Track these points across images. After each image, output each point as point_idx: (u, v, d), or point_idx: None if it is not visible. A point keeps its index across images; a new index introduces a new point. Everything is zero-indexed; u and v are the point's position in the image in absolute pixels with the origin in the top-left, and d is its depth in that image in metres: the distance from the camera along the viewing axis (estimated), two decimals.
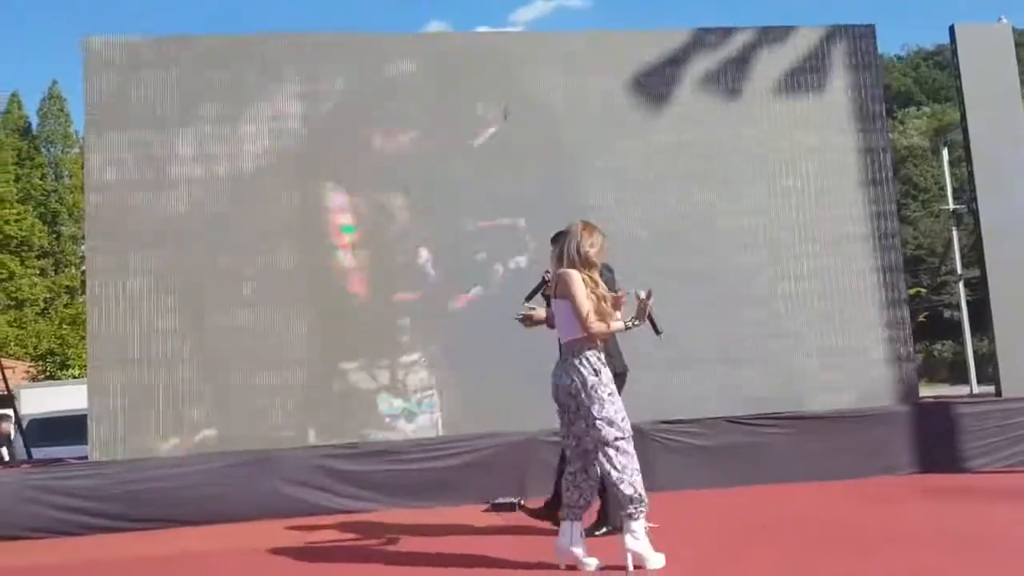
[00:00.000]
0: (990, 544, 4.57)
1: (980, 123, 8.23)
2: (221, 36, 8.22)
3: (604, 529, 5.02)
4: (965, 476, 7.17)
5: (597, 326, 4.26)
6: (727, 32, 8.40)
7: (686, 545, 4.64)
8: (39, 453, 10.22)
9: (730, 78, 8.26)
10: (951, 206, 11.28)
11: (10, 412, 10.61)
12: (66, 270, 39.35)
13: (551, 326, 4.55)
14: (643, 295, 4.40)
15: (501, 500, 6.45)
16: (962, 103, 8.38)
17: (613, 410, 4.25)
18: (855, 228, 8.17)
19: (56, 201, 39.72)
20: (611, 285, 4.71)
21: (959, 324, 10.94)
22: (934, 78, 58.02)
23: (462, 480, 6.82)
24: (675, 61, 8.21)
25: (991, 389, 8.36)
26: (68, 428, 11.56)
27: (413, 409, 7.53)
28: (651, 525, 4.25)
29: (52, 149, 41.04)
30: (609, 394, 4.26)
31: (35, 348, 33.35)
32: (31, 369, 31.71)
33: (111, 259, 7.45)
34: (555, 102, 8.05)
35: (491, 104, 7.96)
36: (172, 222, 7.50)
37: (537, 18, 79.31)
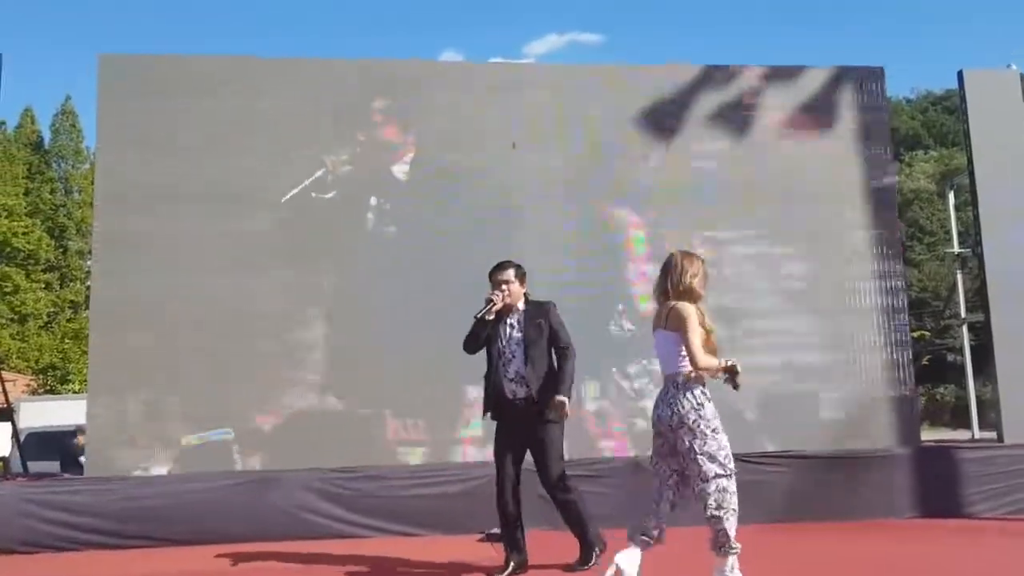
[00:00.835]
0: None
1: (987, 168, 8.26)
2: (237, 57, 8.31)
3: (591, 563, 5.01)
4: (966, 521, 7.12)
5: (707, 361, 4.27)
6: (736, 70, 8.45)
7: None
8: (36, 467, 10.17)
9: (738, 116, 8.31)
10: (956, 250, 11.29)
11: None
12: (71, 284, 39.39)
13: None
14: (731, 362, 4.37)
15: (496, 530, 6.40)
16: (969, 148, 8.42)
17: (716, 446, 4.28)
18: (859, 268, 8.18)
19: (64, 216, 39.84)
20: (547, 317, 4.81)
21: (962, 368, 10.86)
22: (942, 122, 58.20)
23: (458, 509, 6.77)
24: (683, 96, 8.27)
25: (993, 434, 8.31)
26: (66, 443, 11.50)
27: None
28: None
29: (63, 164, 41.23)
30: (713, 430, 4.29)
31: (37, 361, 33.35)
32: (32, 382, 31.68)
33: (116, 275, 7.47)
34: (559, 132, 8.09)
35: None
36: (181, 241, 7.52)
37: (550, 51, 79.92)
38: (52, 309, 37.38)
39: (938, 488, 7.36)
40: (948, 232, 12.89)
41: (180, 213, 7.53)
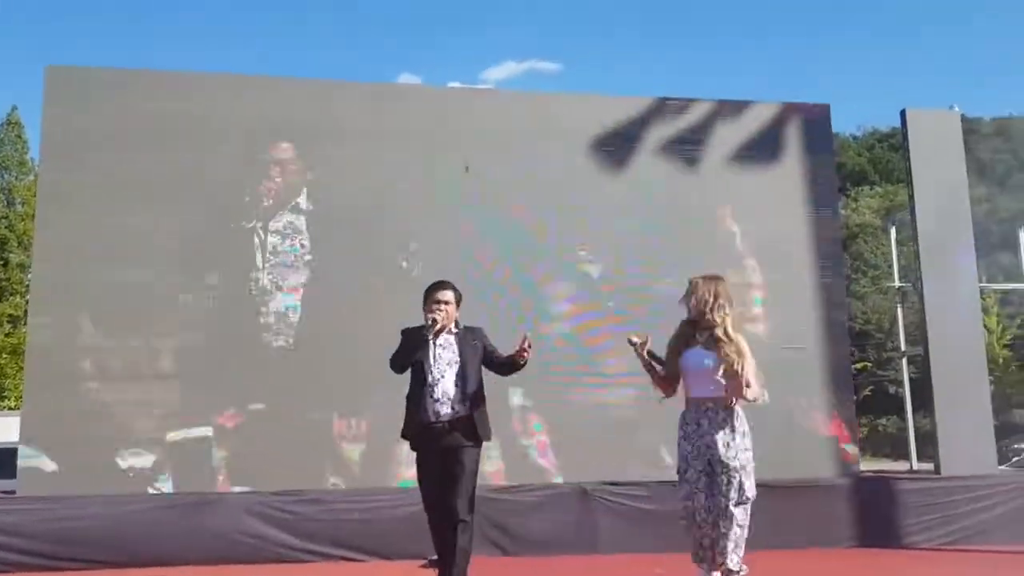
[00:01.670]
0: None
1: (927, 205, 8.47)
2: (186, 72, 8.22)
3: None
4: (903, 551, 7.23)
5: (756, 392, 4.44)
6: (687, 103, 8.58)
7: None
8: None
9: (687, 147, 8.42)
10: (897, 284, 11.56)
11: None
12: (11, 298, 38.33)
13: None
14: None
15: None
16: (911, 185, 8.63)
17: (749, 470, 4.45)
18: (802, 299, 8.30)
19: (6, 228, 38.88)
20: (483, 339, 4.77)
21: (903, 400, 11.12)
22: (887, 159, 59.61)
23: (401, 533, 6.67)
24: (635, 126, 8.37)
25: (931, 466, 8.47)
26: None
27: None
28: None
29: (6, 175, 40.25)
30: (750, 459, 4.45)
31: None
32: None
33: (58, 289, 7.30)
34: (517, 159, 8.13)
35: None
36: (126, 253, 7.38)
37: (508, 77, 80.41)
38: None
39: (876, 518, 7.48)
40: (891, 266, 13.18)
41: (125, 225, 7.40)
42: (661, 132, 8.40)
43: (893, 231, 12.92)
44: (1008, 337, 32.38)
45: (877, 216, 49.38)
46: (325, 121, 7.93)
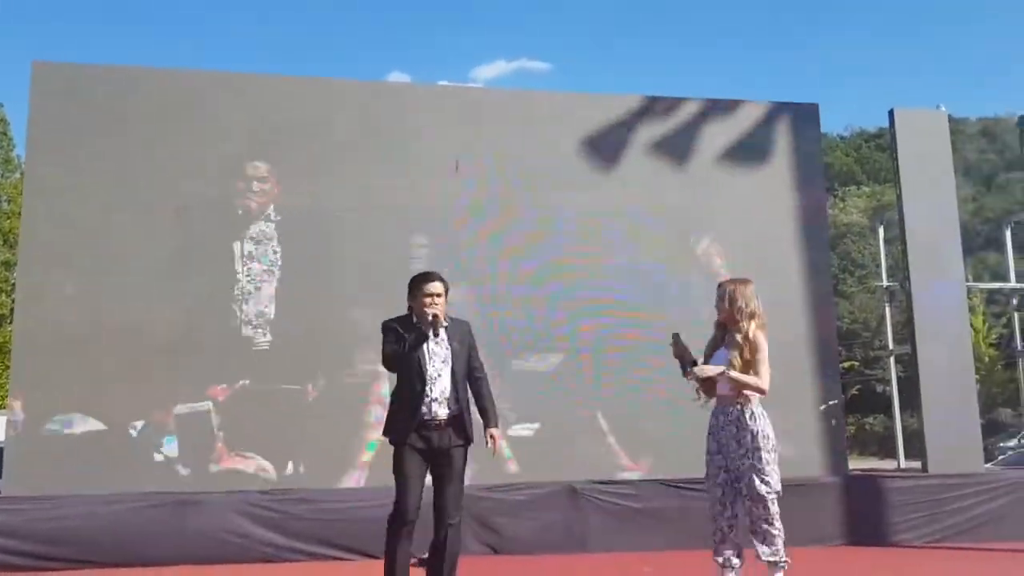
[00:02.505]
0: None
1: (915, 205, 8.51)
2: (173, 69, 8.17)
3: None
4: (891, 549, 7.26)
5: (756, 383, 4.64)
6: (676, 102, 8.59)
7: None
8: None
9: (676, 146, 8.43)
10: (885, 283, 11.62)
11: None
12: None
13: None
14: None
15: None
16: (898, 184, 8.66)
17: (774, 466, 4.59)
18: (790, 299, 8.30)
19: None
20: (469, 335, 4.65)
21: (890, 399, 11.16)
22: (875, 159, 59.89)
23: None
24: (624, 125, 8.37)
25: (919, 464, 8.51)
26: None
27: None
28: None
29: None
30: (767, 458, 4.57)
31: None
32: None
33: (44, 289, 7.25)
34: (507, 157, 8.13)
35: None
36: (112, 251, 7.35)
37: (498, 76, 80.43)
38: None
39: (864, 516, 7.51)
40: (879, 265, 13.23)
41: (111, 223, 7.37)
42: (650, 131, 8.40)
43: (881, 231, 12.99)
44: (994, 336, 32.59)
45: (864, 216, 49.59)
46: (314, 119, 7.90)
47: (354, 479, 7.34)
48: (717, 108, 8.63)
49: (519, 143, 8.14)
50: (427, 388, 4.42)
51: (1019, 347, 10.60)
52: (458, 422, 4.48)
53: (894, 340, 11.96)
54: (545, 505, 7.10)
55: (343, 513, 6.76)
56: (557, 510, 7.11)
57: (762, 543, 4.56)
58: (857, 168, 61.42)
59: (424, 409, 4.41)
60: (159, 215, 7.47)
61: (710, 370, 4.68)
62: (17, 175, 37.52)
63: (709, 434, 4.76)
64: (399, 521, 4.44)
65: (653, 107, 8.50)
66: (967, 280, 10.75)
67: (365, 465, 7.32)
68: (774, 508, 4.57)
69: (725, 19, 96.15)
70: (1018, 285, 12.27)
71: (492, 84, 67.45)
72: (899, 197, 8.65)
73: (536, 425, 7.70)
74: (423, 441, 4.43)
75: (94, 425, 7.06)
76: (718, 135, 8.52)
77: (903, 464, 10.97)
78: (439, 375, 4.46)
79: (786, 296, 8.27)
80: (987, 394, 27.79)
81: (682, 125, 8.48)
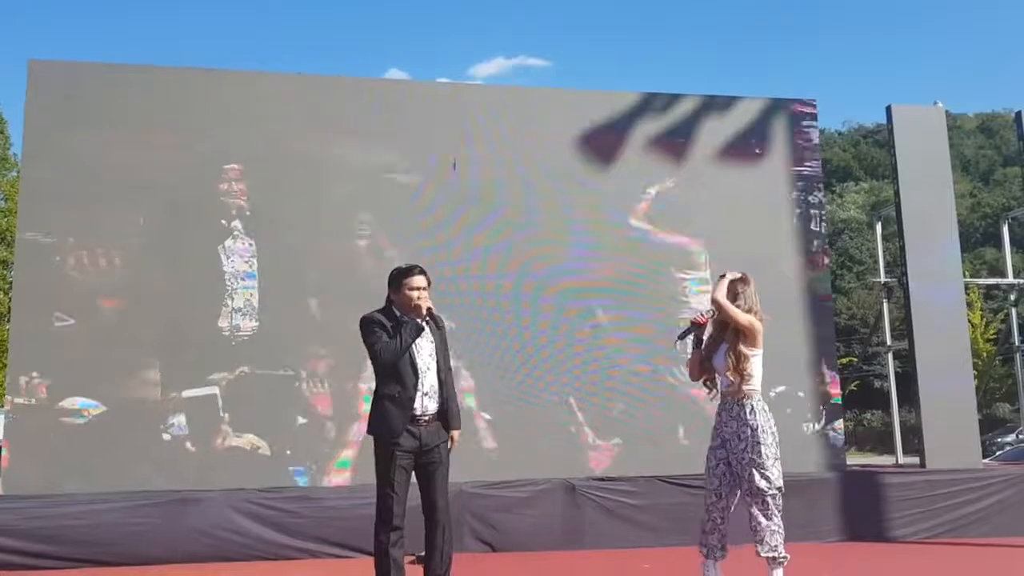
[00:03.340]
0: None
1: (912, 200, 8.52)
2: (170, 67, 8.14)
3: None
4: (889, 544, 7.27)
5: (747, 377, 4.68)
6: (674, 98, 8.58)
7: None
8: None
9: (674, 142, 8.42)
10: (882, 279, 11.61)
11: None
12: None
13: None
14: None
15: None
16: (896, 180, 8.67)
17: (773, 459, 4.61)
18: (788, 294, 8.31)
19: None
20: (444, 330, 4.60)
21: (888, 394, 11.14)
22: (873, 155, 60.02)
23: None
24: (622, 121, 8.36)
25: (917, 460, 8.52)
26: None
27: None
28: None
29: None
30: (767, 453, 4.59)
31: None
32: None
33: (41, 286, 7.24)
34: (505, 155, 8.13)
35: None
36: (109, 246, 7.34)
37: (498, 73, 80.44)
38: None
39: (862, 512, 7.52)
40: (877, 261, 13.24)
41: (107, 220, 7.37)
42: (648, 127, 8.40)
43: (878, 226, 12.94)
44: (992, 332, 32.67)
45: (862, 212, 49.69)
46: (312, 116, 7.89)
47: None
48: (715, 104, 8.62)
49: (517, 140, 8.14)
50: (420, 383, 4.41)
51: (1016, 343, 10.60)
52: (441, 418, 4.49)
53: (892, 336, 11.93)
54: (543, 502, 7.11)
55: (342, 511, 6.75)
56: (555, 507, 7.11)
57: (761, 539, 4.58)
58: (855, 164, 61.53)
59: (417, 404, 4.40)
60: (154, 212, 7.46)
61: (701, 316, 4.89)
62: (14, 174, 37.46)
63: (714, 428, 4.81)
64: (389, 528, 4.40)
65: (651, 103, 8.49)
66: (965, 276, 10.73)
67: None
68: (774, 503, 4.58)
69: (723, 15, 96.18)
70: (1015, 280, 12.26)
71: (492, 81, 67.50)
72: (896, 193, 8.66)
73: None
74: (413, 439, 4.39)
75: (97, 407, 7.09)
76: (716, 131, 8.51)
77: (901, 460, 10.95)
78: (428, 369, 4.45)
79: (784, 292, 8.28)
80: (985, 389, 27.85)
81: (680, 121, 8.48)
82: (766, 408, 4.73)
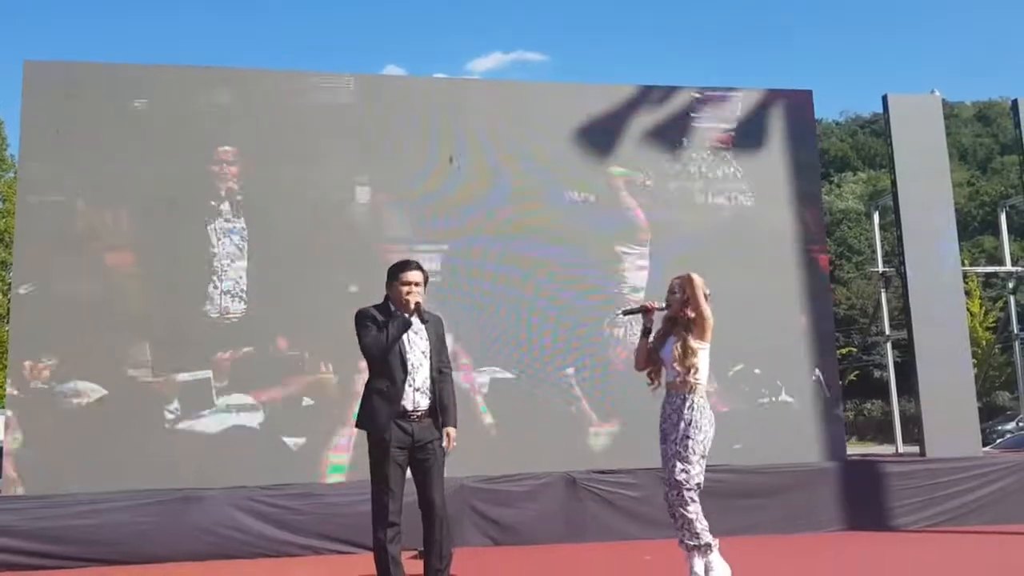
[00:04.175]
0: None
1: (909, 190, 8.53)
2: (166, 66, 8.14)
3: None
4: (889, 534, 7.29)
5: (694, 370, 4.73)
6: (670, 90, 8.58)
7: None
8: None
9: (671, 134, 8.42)
10: (880, 269, 11.63)
11: None
12: None
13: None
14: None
15: None
16: (893, 170, 8.67)
17: (689, 468, 4.60)
18: (787, 286, 8.32)
19: None
20: (441, 328, 4.65)
21: (887, 384, 11.17)
22: (870, 144, 59.92)
23: None
24: (620, 114, 8.36)
25: (917, 449, 8.54)
26: None
27: None
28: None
29: None
30: (696, 448, 4.61)
31: None
32: None
33: (40, 285, 7.25)
34: (502, 149, 8.13)
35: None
36: (106, 245, 7.35)
37: (495, 67, 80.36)
38: None
39: (862, 501, 7.54)
40: (875, 251, 13.25)
41: (105, 220, 7.38)
42: (645, 120, 8.39)
43: (876, 216, 12.99)
44: (991, 320, 32.68)
45: (860, 202, 49.63)
46: (309, 112, 7.89)
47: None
48: (712, 96, 8.62)
49: (514, 135, 8.14)
50: (409, 378, 4.41)
51: (1015, 330, 10.63)
52: (435, 413, 4.49)
53: (891, 325, 11.97)
54: (544, 495, 7.12)
55: (344, 507, 6.76)
56: (556, 500, 7.13)
57: (680, 528, 4.62)
58: (852, 154, 61.44)
59: (406, 399, 4.39)
60: (153, 211, 7.47)
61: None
62: (11, 174, 37.40)
63: (661, 420, 4.82)
64: (385, 524, 4.41)
65: (648, 96, 8.49)
66: (963, 264, 10.75)
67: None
68: (688, 495, 4.58)
69: (719, 6, 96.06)
70: (1014, 268, 12.29)
71: (489, 76, 67.43)
72: (894, 182, 8.66)
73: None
74: (405, 434, 4.39)
75: (98, 391, 7.15)
76: (713, 122, 8.51)
77: (901, 449, 11.00)
78: (420, 364, 4.45)
79: (783, 283, 8.29)
80: (984, 377, 27.85)
81: (676, 113, 8.48)
82: (705, 405, 4.74)
